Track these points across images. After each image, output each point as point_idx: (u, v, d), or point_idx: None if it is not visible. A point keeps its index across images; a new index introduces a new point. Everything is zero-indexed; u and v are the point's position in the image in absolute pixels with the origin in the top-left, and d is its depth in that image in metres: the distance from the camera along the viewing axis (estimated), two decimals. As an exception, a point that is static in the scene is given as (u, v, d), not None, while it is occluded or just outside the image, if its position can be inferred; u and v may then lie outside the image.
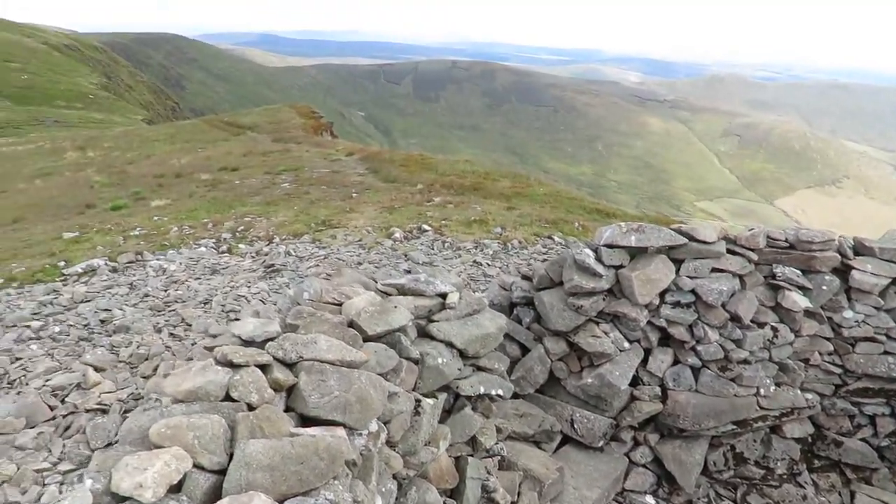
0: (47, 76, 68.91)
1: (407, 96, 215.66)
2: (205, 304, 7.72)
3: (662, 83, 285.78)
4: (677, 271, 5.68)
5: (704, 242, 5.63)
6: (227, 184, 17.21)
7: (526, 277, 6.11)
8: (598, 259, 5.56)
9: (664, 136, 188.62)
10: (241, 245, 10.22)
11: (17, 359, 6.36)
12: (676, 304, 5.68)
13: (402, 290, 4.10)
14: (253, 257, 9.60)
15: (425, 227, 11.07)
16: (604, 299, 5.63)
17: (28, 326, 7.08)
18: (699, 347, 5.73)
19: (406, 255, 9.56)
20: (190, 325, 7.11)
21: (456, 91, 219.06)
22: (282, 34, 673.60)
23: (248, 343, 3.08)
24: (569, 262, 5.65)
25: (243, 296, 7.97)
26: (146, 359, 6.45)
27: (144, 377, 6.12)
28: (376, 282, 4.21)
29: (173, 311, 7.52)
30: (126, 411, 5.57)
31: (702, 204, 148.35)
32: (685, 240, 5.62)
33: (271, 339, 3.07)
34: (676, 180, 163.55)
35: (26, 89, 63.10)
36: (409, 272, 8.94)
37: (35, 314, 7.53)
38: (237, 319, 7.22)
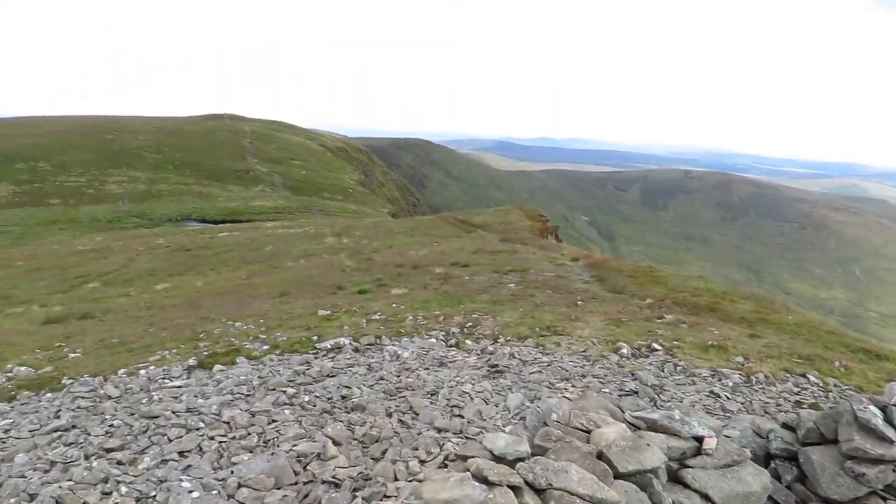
0: (319, 172, 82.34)
1: (633, 203, 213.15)
2: (431, 395, 8.00)
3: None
4: None
5: None
6: (458, 279, 18.22)
7: (787, 426, 5.29)
8: (888, 420, 4.62)
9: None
10: (467, 341, 10.57)
11: (273, 420, 7.15)
12: None
13: (654, 426, 3.78)
14: (478, 355, 9.83)
15: (655, 345, 10.40)
16: (894, 471, 4.62)
17: (284, 392, 7.99)
18: None
19: (633, 374, 9.02)
20: (417, 415, 7.38)
21: (686, 201, 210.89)
22: (516, 140, 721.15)
23: (498, 459, 3.05)
24: (846, 418, 4.78)
25: (467, 392, 8.11)
26: (376, 441, 6.79)
27: (374, 459, 6.44)
28: (623, 411, 3.96)
29: (403, 397, 7.91)
30: (355, 489, 5.87)
31: None
32: None
33: (521, 460, 3.00)
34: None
35: (303, 182, 76.00)
36: (636, 392, 8.42)
37: (290, 381, 8.50)
38: (461, 416, 7.35)
